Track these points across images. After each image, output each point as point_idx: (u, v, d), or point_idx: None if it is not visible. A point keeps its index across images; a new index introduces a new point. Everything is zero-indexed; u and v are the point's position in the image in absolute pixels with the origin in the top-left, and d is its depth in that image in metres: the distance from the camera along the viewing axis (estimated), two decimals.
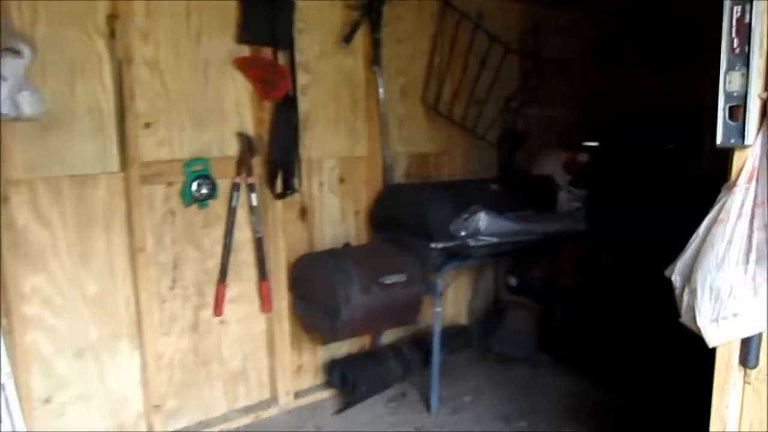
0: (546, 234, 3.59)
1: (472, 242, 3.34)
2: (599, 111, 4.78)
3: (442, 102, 4.12)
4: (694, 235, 1.56)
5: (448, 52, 4.13)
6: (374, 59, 3.73)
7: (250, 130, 3.35)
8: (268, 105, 3.33)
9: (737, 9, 1.44)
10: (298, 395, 3.63)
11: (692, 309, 1.52)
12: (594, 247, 4.32)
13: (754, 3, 1.41)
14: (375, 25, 3.69)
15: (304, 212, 3.62)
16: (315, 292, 3.26)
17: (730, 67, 1.46)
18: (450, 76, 4.17)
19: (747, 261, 1.43)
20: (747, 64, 1.43)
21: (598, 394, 3.73)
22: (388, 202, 3.71)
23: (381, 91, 3.79)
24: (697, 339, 3.61)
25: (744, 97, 1.44)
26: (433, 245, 3.36)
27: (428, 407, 3.56)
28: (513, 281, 4.45)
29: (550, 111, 4.89)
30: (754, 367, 1.51)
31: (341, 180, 3.80)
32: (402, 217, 3.59)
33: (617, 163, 4.53)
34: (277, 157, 3.36)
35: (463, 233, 3.34)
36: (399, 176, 4.03)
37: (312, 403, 3.64)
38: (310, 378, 3.74)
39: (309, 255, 3.45)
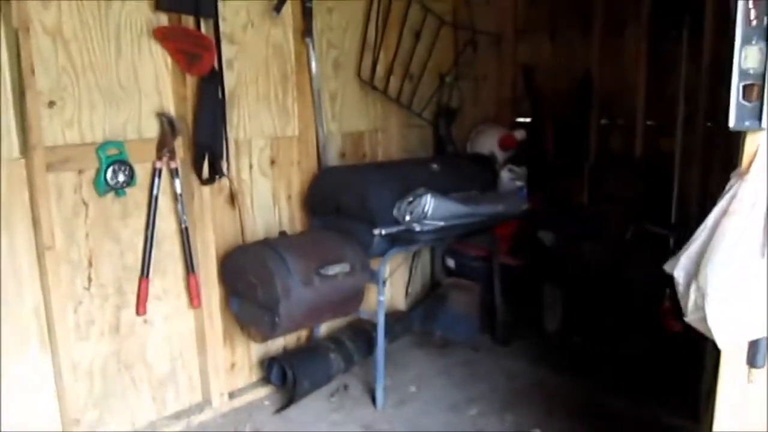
0: (491, 215, 3.46)
1: (417, 227, 3.15)
2: (533, 84, 4.67)
3: (377, 77, 3.89)
4: (701, 228, 1.43)
5: (382, 23, 3.89)
6: (306, 30, 3.44)
7: (171, 108, 3.01)
8: (191, 81, 2.99)
9: None
10: (233, 396, 3.36)
11: (701, 309, 1.40)
12: (531, 223, 4.26)
13: None
14: None
15: (233, 198, 3.31)
16: (251, 287, 2.99)
17: (746, 41, 1.32)
18: (385, 49, 3.94)
19: (763, 254, 1.32)
20: (767, 38, 1.30)
21: (541, 374, 3.68)
22: (326, 186, 3.46)
23: (314, 65, 3.52)
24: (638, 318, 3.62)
25: (762, 75, 1.31)
26: (376, 231, 3.16)
27: (373, 401, 3.38)
28: (451, 263, 4.32)
29: (485, 86, 4.76)
30: (762, 366, 1.41)
31: (272, 162, 3.51)
32: (341, 202, 3.35)
33: (553, 139, 4.48)
34: (203, 138, 3.03)
35: (407, 218, 3.15)
36: (333, 157, 3.79)
37: (249, 403, 3.38)
38: (245, 376, 3.48)
39: (242, 247, 3.17)
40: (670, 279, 3.87)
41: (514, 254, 4.27)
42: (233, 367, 3.40)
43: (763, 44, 1.30)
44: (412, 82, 4.14)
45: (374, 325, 3.70)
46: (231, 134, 3.20)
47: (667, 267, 1.53)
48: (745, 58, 1.33)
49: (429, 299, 4.20)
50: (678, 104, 4.03)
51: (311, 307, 3.02)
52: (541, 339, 4.13)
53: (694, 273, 1.44)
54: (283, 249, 3.01)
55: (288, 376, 3.27)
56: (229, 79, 3.18)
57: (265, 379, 3.47)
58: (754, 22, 1.31)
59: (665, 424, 3.14)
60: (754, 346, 1.40)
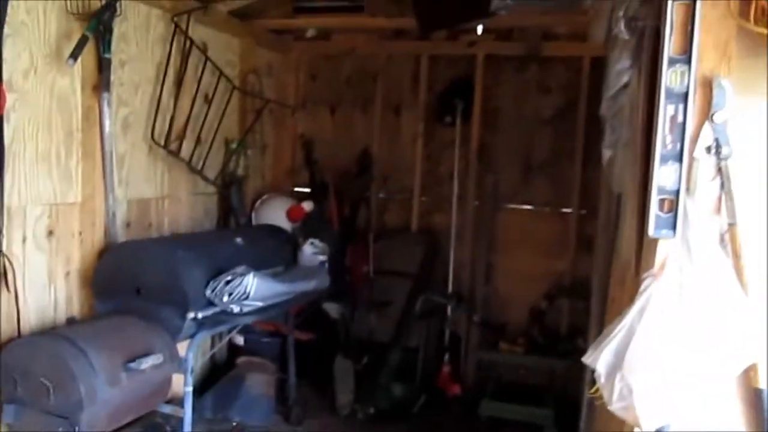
0: (304, 293, 3.35)
1: (236, 308, 2.90)
2: (312, 156, 4.72)
3: (170, 140, 3.55)
4: (620, 325, 1.56)
5: (176, 83, 3.59)
6: (102, 84, 3.01)
7: None
8: None
9: (671, 108, 1.50)
10: None
11: (626, 398, 1.52)
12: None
13: (689, 105, 1.49)
14: (104, 43, 2.99)
15: (3, 278, 2.68)
16: (39, 392, 2.40)
17: (663, 162, 1.51)
18: (178, 111, 3.63)
19: (686, 352, 1.49)
20: (680, 159, 1.50)
21: None
22: (120, 263, 3.00)
23: (107, 123, 3.08)
24: None
25: (676, 191, 1.51)
26: (191, 315, 2.81)
27: None
28: (240, 340, 4.05)
29: (269, 155, 4.68)
30: None
31: (50, 233, 2.94)
32: (142, 282, 2.93)
33: (337, 211, 4.55)
34: None
35: (225, 298, 2.88)
36: (119, 227, 3.31)
37: None
38: None
39: (23, 340, 2.56)
40: (449, 345, 4.14)
41: (301, 328, 4.18)
42: None
43: (676, 165, 1.51)
44: (201, 147, 3.87)
45: (167, 418, 3.30)
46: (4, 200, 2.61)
47: (587, 360, 1.63)
48: (662, 176, 1.52)
49: (222, 382, 3.84)
50: (450, 184, 4.45)
51: (117, 409, 2.55)
52: (332, 413, 4.07)
53: (617, 366, 1.56)
54: (82, 341, 2.50)
55: None
56: (5, 133, 2.60)
57: None
58: (669, 147, 1.51)
59: None
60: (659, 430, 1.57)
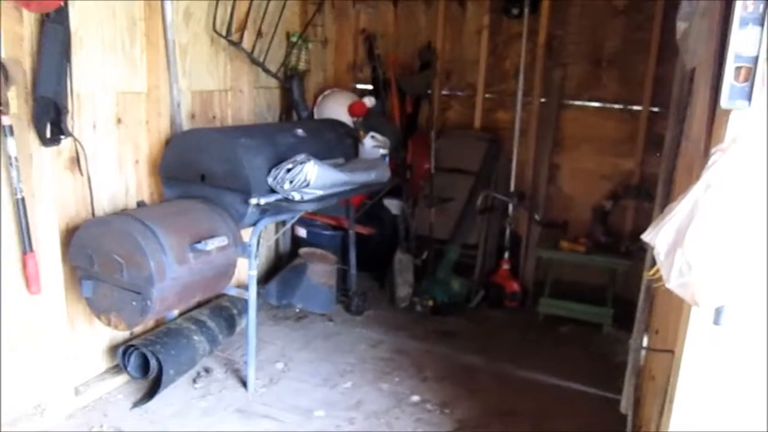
0: (364, 184, 3.37)
1: (297, 196, 2.96)
2: (375, 52, 4.62)
3: (231, 31, 3.54)
4: (683, 202, 1.50)
5: None
6: None
7: (1, 50, 2.42)
8: (29, 18, 2.44)
9: None
10: (78, 392, 2.89)
11: (684, 275, 1.48)
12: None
13: None
14: None
15: (76, 162, 2.80)
16: (112, 268, 2.56)
17: (743, 25, 1.40)
18: (238, 2, 3.59)
19: (751, 231, 1.43)
20: (761, 23, 1.39)
21: (400, 341, 3.73)
22: (186, 151, 3.08)
23: (169, 11, 3.09)
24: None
25: (755, 58, 1.40)
26: (253, 201, 2.89)
27: (242, 383, 3.15)
28: (302, 232, 4.17)
29: (330, 49, 4.62)
30: (721, 325, 1.54)
31: (118, 121, 3.03)
32: (207, 169, 3.01)
33: (399, 108, 4.50)
34: (47, 90, 2.50)
35: (286, 186, 2.94)
36: (183, 118, 3.38)
37: (99, 398, 2.94)
38: (93, 366, 3.02)
39: (97, 220, 2.70)
40: (509, 243, 4.10)
41: (362, 223, 4.24)
42: (77, 359, 2.92)
43: (757, 29, 1.39)
44: (263, 40, 3.85)
45: (234, 302, 3.47)
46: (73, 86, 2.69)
47: (646, 237, 1.59)
48: (740, 41, 1.41)
49: (285, 271, 3.99)
50: (515, 79, 4.29)
51: (185, 287, 2.69)
52: (391, 305, 4.19)
53: (677, 242, 1.51)
54: (152, 222, 2.62)
55: (151, 365, 2.89)
56: (70, 19, 2.65)
57: (115, 369, 3.05)
58: (750, 7, 1.39)
59: (518, 376, 3.37)
60: (718, 308, 1.53)
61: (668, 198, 2.53)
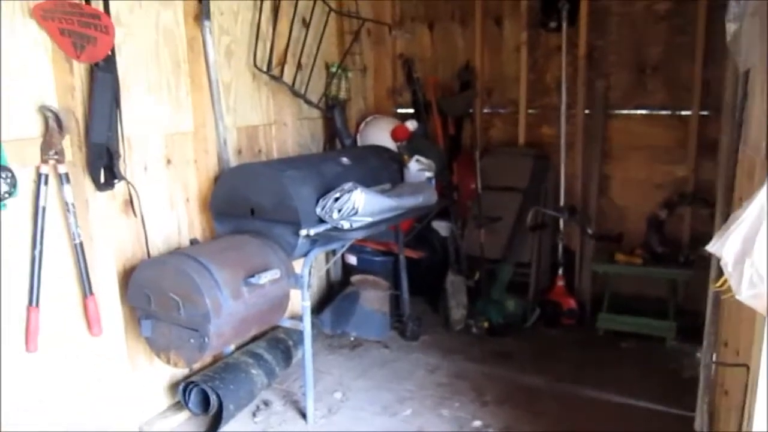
0: (412, 208, 3.36)
1: (346, 224, 2.96)
2: (413, 75, 4.63)
3: (272, 66, 3.60)
4: (749, 209, 1.44)
5: (273, 8, 3.61)
6: (203, 12, 3.08)
7: (54, 101, 2.51)
8: (79, 68, 2.52)
9: None
10: (143, 430, 2.93)
11: (756, 286, 1.41)
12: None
13: None
14: None
15: (129, 204, 2.87)
16: (170, 306, 2.60)
17: None
18: (277, 36, 3.66)
19: None
20: None
21: (458, 365, 3.67)
22: (234, 186, 3.12)
23: (211, 51, 3.16)
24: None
25: None
26: (304, 232, 2.91)
27: (302, 414, 3.14)
28: (353, 260, 4.16)
29: (369, 76, 4.65)
30: None
31: (168, 161, 3.10)
32: (256, 203, 3.05)
33: (441, 129, 4.49)
34: (100, 136, 2.58)
35: (335, 215, 2.94)
36: (230, 154, 3.44)
37: None
38: (155, 404, 3.06)
39: (152, 260, 2.76)
40: (563, 259, 4.03)
41: (411, 247, 4.22)
42: (139, 398, 2.96)
43: None
44: (303, 72, 3.91)
45: (289, 333, 3.48)
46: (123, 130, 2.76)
47: (711, 248, 1.53)
48: None
49: (338, 300, 4.00)
50: (557, 93, 4.24)
51: (241, 321, 2.71)
52: (445, 329, 4.13)
53: (745, 252, 1.45)
54: (206, 259, 2.66)
55: (211, 401, 2.91)
56: (118, 67, 2.73)
57: (176, 406, 3.08)
58: None
59: (582, 396, 3.27)
60: None
61: (729, 206, 2.43)
